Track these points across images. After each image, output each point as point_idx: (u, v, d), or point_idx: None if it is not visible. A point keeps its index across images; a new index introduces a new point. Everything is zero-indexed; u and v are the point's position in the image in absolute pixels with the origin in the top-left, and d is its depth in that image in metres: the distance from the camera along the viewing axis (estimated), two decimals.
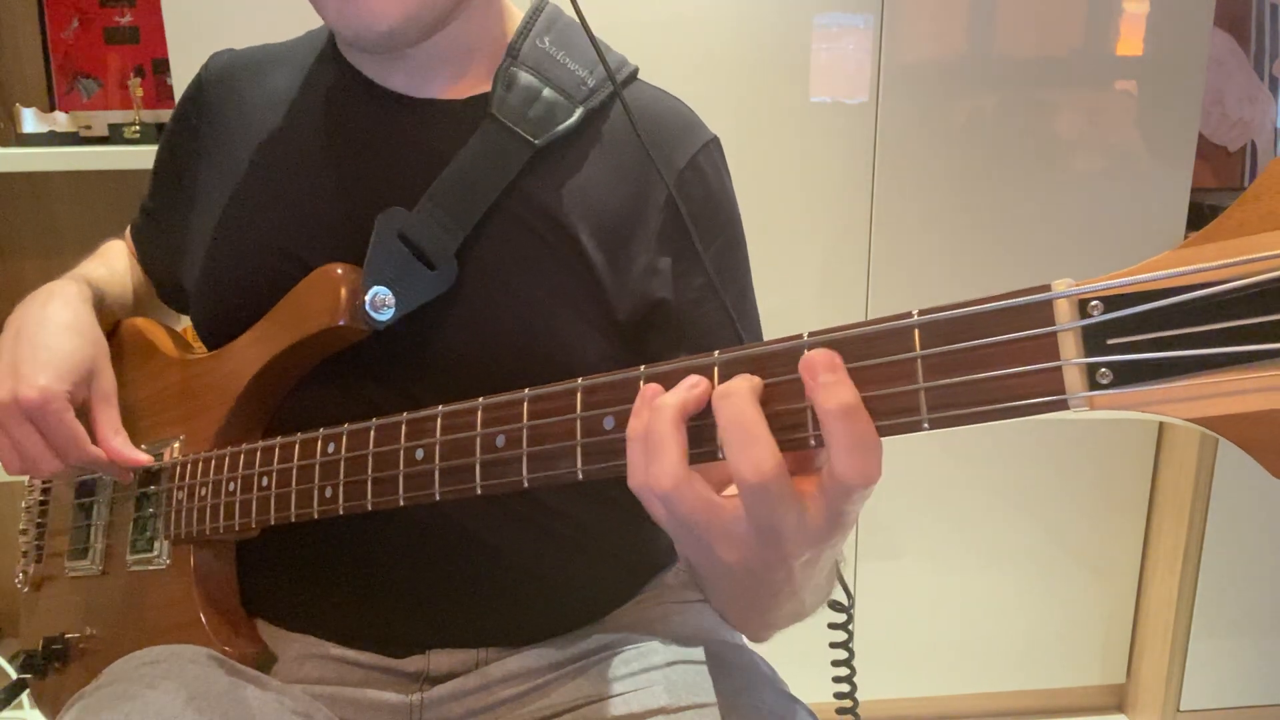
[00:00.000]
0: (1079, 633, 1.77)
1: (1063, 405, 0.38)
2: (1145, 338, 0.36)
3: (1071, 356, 0.37)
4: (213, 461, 0.72)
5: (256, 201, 0.74)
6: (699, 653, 0.71)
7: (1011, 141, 1.56)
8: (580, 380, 0.51)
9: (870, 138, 1.55)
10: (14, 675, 0.85)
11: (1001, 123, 1.56)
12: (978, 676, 1.78)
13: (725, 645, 0.74)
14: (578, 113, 0.72)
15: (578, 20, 0.74)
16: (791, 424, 0.44)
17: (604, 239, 0.71)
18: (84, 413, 0.75)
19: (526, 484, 0.53)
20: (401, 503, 0.59)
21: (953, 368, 0.40)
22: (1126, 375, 0.36)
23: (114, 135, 1.65)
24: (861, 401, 0.42)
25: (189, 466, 0.74)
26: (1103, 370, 0.37)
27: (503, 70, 0.72)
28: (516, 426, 0.53)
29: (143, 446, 0.79)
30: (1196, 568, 1.66)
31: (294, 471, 0.66)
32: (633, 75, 0.78)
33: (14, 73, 1.81)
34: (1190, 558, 1.66)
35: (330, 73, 0.77)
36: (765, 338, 0.77)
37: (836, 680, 0.67)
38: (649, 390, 0.47)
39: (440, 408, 0.58)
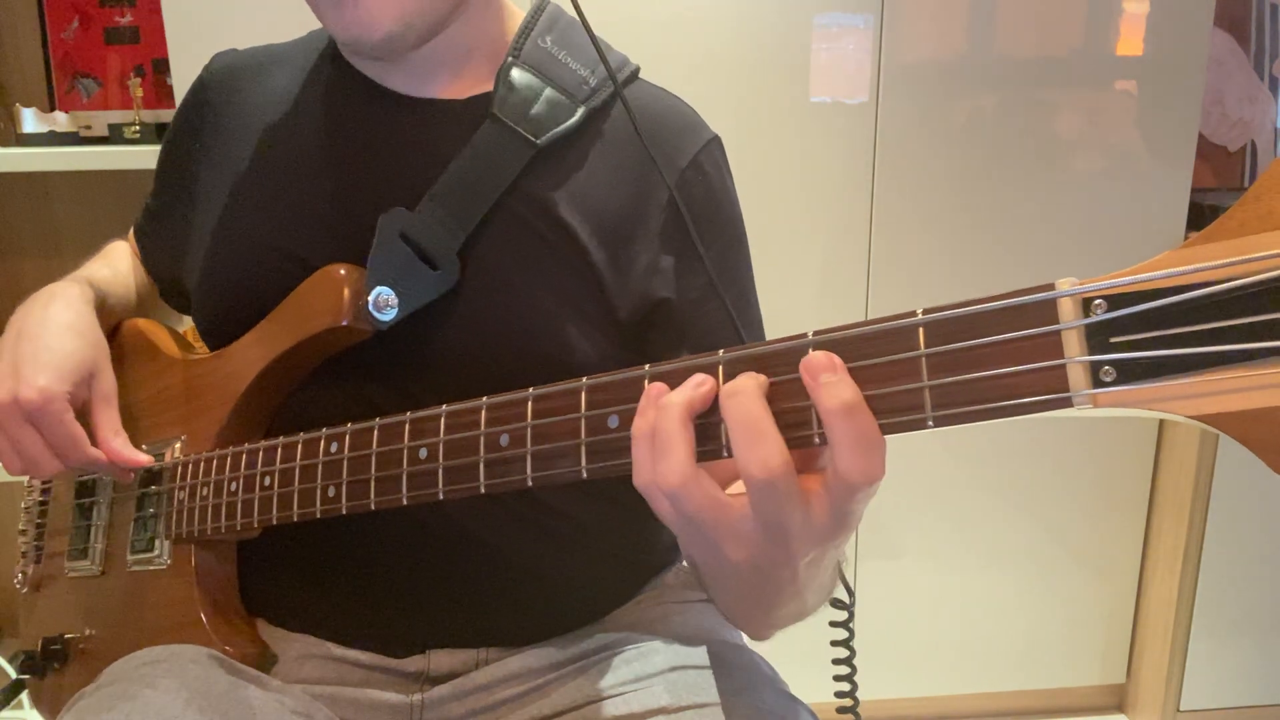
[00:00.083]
0: (1079, 633, 1.77)
1: (1066, 403, 0.38)
2: (1148, 336, 0.36)
3: (1075, 354, 0.38)
4: (214, 461, 0.72)
5: (258, 201, 0.74)
6: (701, 656, 0.71)
7: (1011, 141, 1.56)
8: (584, 379, 0.51)
9: (870, 138, 1.55)
10: (13, 675, 0.85)
11: (1001, 123, 1.56)
12: (978, 676, 1.78)
13: (726, 645, 0.74)
14: (579, 112, 0.72)
15: (578, 20, 0.74)
16: (796, 422, 0.44)
17: (605, 238, 0.71)
18: (85, 414, 0.75)
19: (530, 483, 0.53)
20: (405, 501, 0.59)
21: (956, 366, 0.40)
22: (1130, 373, 0.36)
23: (114, 135, 1.65)
24: (863, 400, 0.42)
25: (190, 466, 0.74)
26: (1106, 368, 0.37)
27: (504, 70, 0.72)
28: (520, 425, 0.53)
29: (144, 447, 0.79)
30: (1196, 568, 1.66)
31: (297, 471, 0.66)
32: (634, 75, 0.78)
33: (14, 73, 1.81)
34: (1190, 558, 1.66)
35: (331, 73, 0.77)
36: (766, 337, 0.78)
37: (837, 679, 0.67)
38: (654, 389, 0.47)
39: (444, 407, 0.58)
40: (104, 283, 0.84)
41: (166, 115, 1.76)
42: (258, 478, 0.68)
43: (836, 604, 0.63)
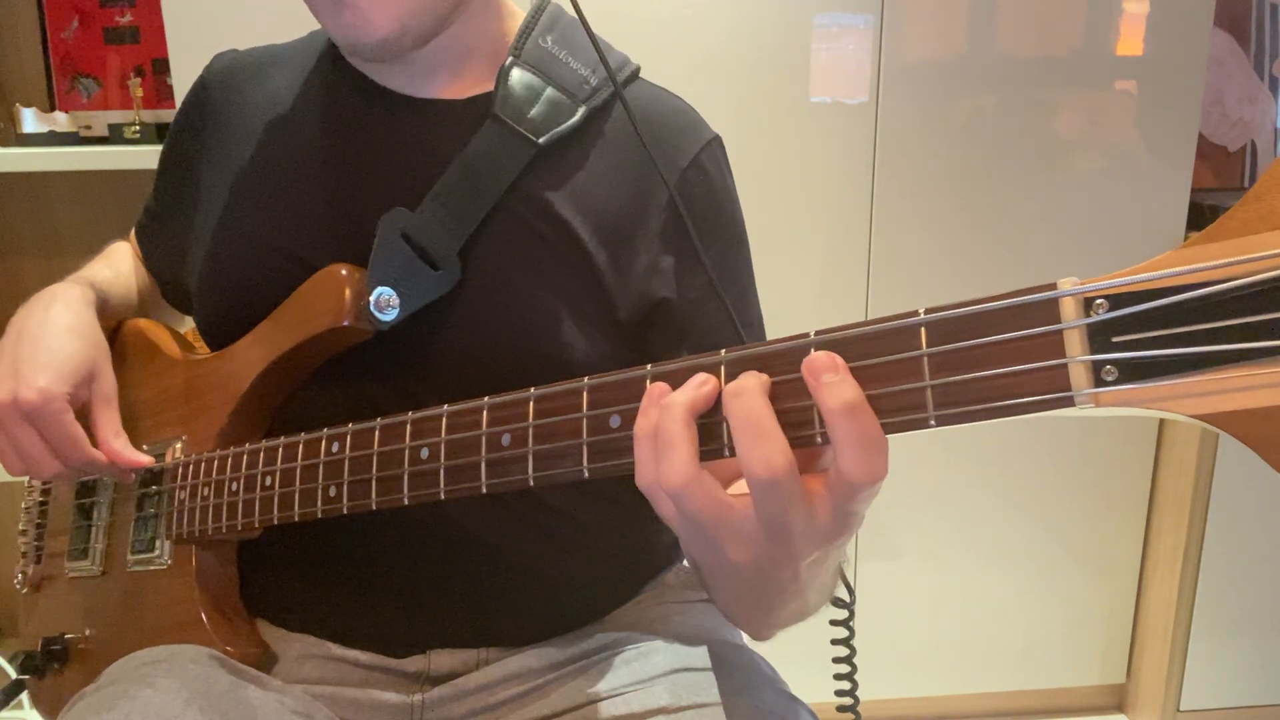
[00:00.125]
0: (1079, 633, 1.77)
1: (1068, 402, 0.38)
2: (1150, 335, 0.36)
3: (1077, 354, 0.38)
4: (215, 461, 0.72)
5: (259, 202, 0.74)
6: (701, 656, 0.71)
7: (1011, 141, 1.56)
8: (586, 379, 0.51)
9: (870, 138, 1.55)
10: (13, 675, 0.85)
11: (1001, 123, 1.56)
12: (978, 676, 1.78)
13: (726, 645, 0.74)
14: (580, 112, 0.72)
15: (579, 19, 0.74)
16: (798, 421, 0.44)
17: (606, 238, 0.71)
18: (85, 415, 0.75)
19: (532, 483, 0.53)
20: (406, 501, 0.59)
21: (958, 365, 0.40)
22: (1131, 372, 0.36)
23: (114, 135, 1.65)
24: (865, 399, 0.42)
25: (191, 467, 0.74)
26: (1108, 367, 0.37)
27: (505, 69, 0.72)
28: (522, 425, 0.53)
29: (144, 447, 0.79)
30: (1196, 568, 1.66)
31: (298, 471, 0.66)
32: (634, 74, 0.78)
33: (14, 73, 1.81)
34: (1190, 558, 1.66)
35: (331, 73, 0.77)
36: (767, 337, 0.78)
37: (838, 678, 0.67)
38: (656, 389, 0.47)
39: (445, 407, 0.58)
40: (105, 283, 0.84)
41: (166, 115, 1.76)
42: (259, 478, 0.68)
43: (837, 603, 0.63)
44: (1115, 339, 0.37)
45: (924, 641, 1.75)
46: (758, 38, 1.49)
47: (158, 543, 0.76)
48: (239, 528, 0.70)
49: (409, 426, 0.60)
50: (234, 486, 0.70)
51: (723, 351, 0.47)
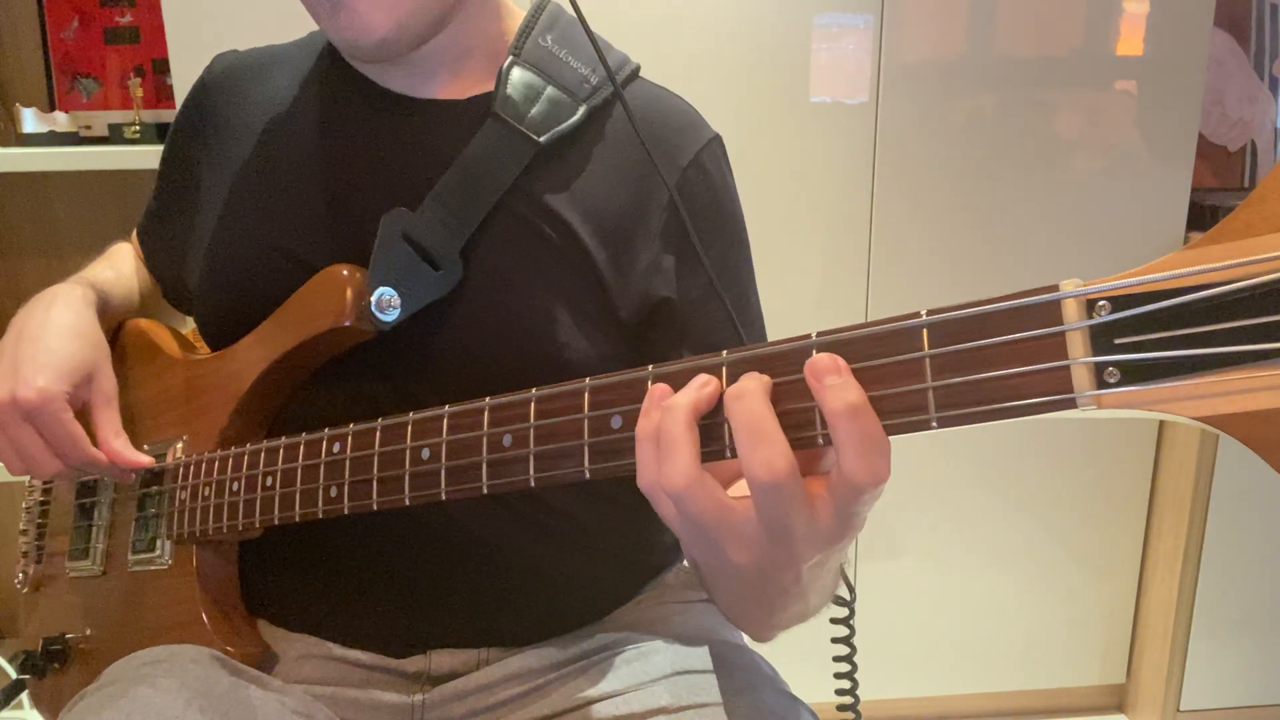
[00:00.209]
0: (1079, 633, 1.77)
1: (1070, 404, 0.38)
2: (1152, 337, 0.36)
3: (1079, 356, 0.38)
4: (216, 462, 0.72)
5: (259, 203, 0.74)
6: (701, 656, 0.71)
7: (1011, 141, 1.56)
8: (587, 380, 0.51)
9: (870, 138, 1.55)
10: (14, 675, 0.85)
11: (1001, 123, 1.56)
12: (978, 676, 1.78)
13: (726, 645, 0.74)
14: (581, 111, 0.72)
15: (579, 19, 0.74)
16: (800, 423, 0.44)
17: (606, 237, 0.71)
18: (86, 415, 0.75)
19: (533, 483, 0.53)
20: (407, 502, 0.59)
21: (960, 367, 0.40)
22: (1134, 374, 0.36)
23: (114, 135, 1.65)
24: (868, 401, 0.42)
25: (192, 467, 0.74)
26: (1110, 369, 0.37)
27: (505, 69, 0.72)
28: (523, 426, 0.53)
29: (145, 447, 0.79)
30: (1196, 568, 1.66)
31: (299, 471, 0.66)
32: (634, 74, 0.78)
33: (14, 73, 1.81)
34: (1190, 558, 1.66)
35: (331, 74, 0.77)
36: (767, 337, 0.78)
37: (838, 676, 0.67)
38: (657, 390, 0.47)
39: (447, 407, 0.58)
40: (107, 284, 0.84)
41: (166, 115, 1.76)
42: (259, 478, 0.68)
43: (838, 602, 0.63)
44: (1118, 341, 0.37)
45: (924, 641, 1.75)
46: (758, 38, 1.49)
47: (158, 543, 0.76)
48: (240, 528, 0.70)
49: (410, 427, 0.60)
50: (235, 486, 0.70)
51: (724, 353, 0.47)
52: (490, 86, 0.73)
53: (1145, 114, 1.58)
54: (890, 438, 0.42)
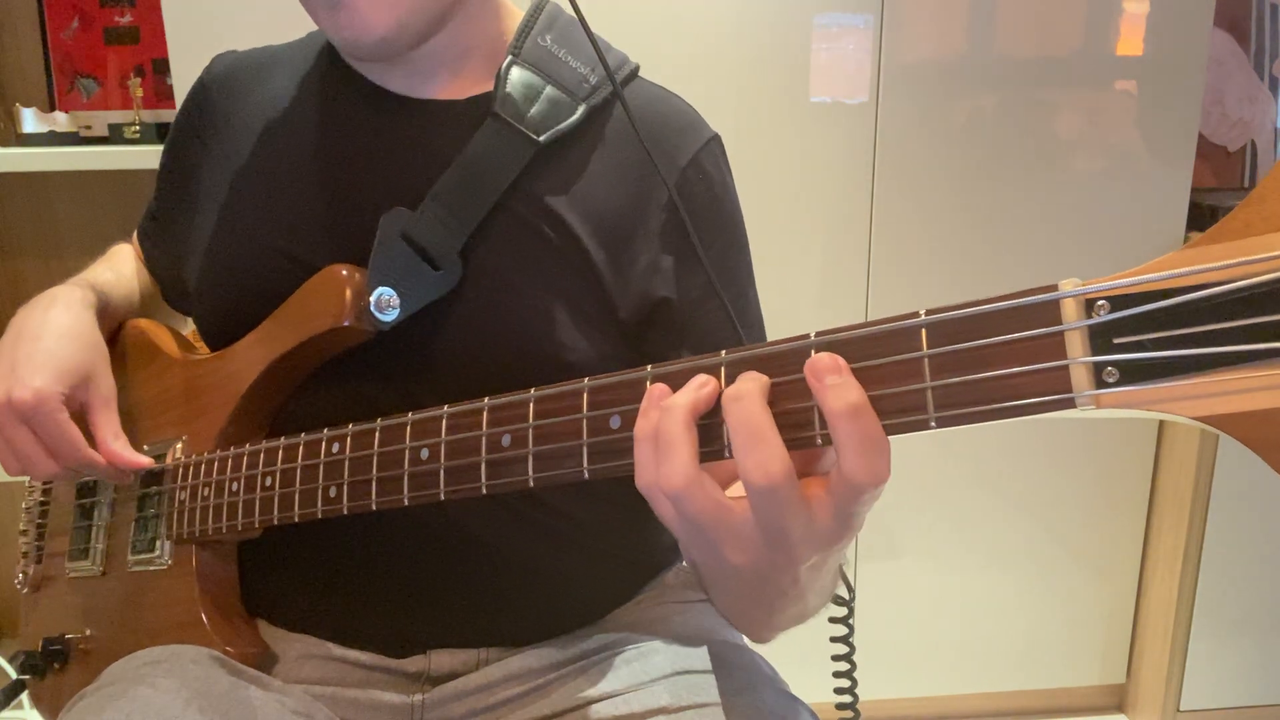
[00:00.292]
0: (1079, 633, 1.77)
1: (1069, 404, 0.38)
2: (1151, 337, 0.36)
3: (1078, 355, 0.38)
4: (216, 462, 0.72)
5: (258, 203, 0.74)
6: (701, 656, 0.71)
7: (1011, 141, 1.56)
8: (586, 380, 0.51)
9: (870, 138, 1.55)
10: (14, 675, 0.85)
11: (1001, 123, 1.56)
12: (978, 676, 1.78)
13: (726, 645, 0.74)
14: (580, 110, 0.72)
15: (578, 18, 0.74)
16: (799, 423, 0.44)
17: (605, 238, 0.71)
18: (84, 417, 0.75)
19: (532, 483, 0.53)
20: (406, 502, 0.59)
21: (959, 367, 0.40)
22: (1133, 374, 0.36)
23: (114, 135, 1.65)
24: (868, 401, 0.42)
25: (191, 467, 0.74)
26: (1109, 369, 0.37)
27: (504, 68, 0.72)
28: (522, 426, 0.53)
29: (145, 447, 0.79)
30: (1196, 568, 1.66)
31: (298, 471, 0.66)
32: (633, 73, 0.78)
33: (14, 73, 1.81)
34: (1190, 558, 1.66)
35: (330, 74, 0.77)
36: (766, 337, 0.78)
37: (837, 675, 0.67)
38: (656, 391, 0.47)
39: (446, 408, 0.58)
40: (107, 285, 0.84)
41: (166, 115, 1.76)
42: (259, 478, 0.68)
43: (837, 601, 0.63)
44: (1117, 340, 0.37)
45: (924, 641, 1.75)
46: (758, 37, 1.49)
47: (158, 543, 0.76)
48: (239, 528, 0.70)
49: (409, 427, 0.60)
50: (234, 487, 0.70)
51: (723, 353, 0.47)
52: (489, 87, 0.73)
53: (1145, 114, 1.58)
54: (889, 438, 0.42)
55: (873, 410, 0.42)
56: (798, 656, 0.82)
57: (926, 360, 0.41)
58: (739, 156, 0.80)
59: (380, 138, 0.73)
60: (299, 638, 0.75)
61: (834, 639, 0.67)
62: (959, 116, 1.55)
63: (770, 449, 0.43)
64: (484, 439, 0.55)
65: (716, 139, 0.78)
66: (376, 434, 0.62)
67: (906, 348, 0.42)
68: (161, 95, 1.82)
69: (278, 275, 0.71)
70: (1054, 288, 0.38)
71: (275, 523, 0.67)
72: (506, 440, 0.54)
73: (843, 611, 0.65)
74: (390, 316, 0.66)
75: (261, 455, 0.68)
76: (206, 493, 0.72)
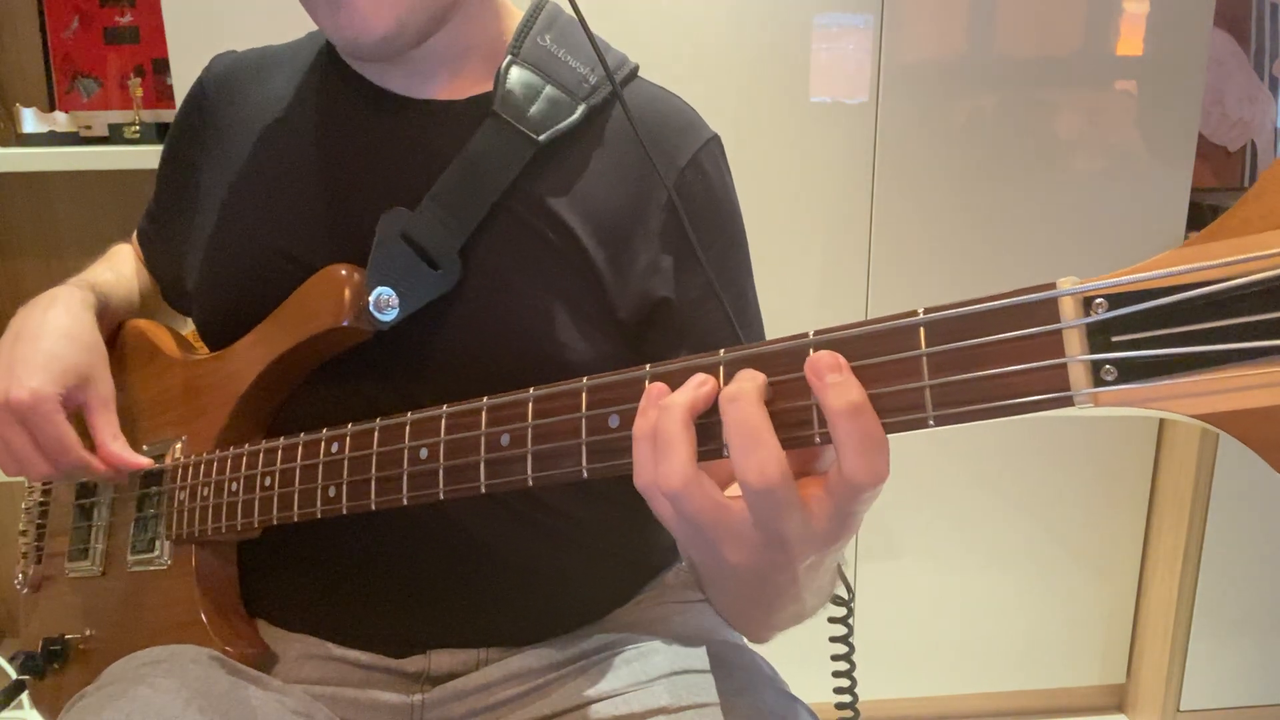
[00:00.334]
0: (1079, 633, 1.77)
1: (1067, 402, 0.38)
2: (1149, 335, 0.36)
3: (1076, 353, 0.37)
4: (215, 462, 0.72)
5: (257, 203, 0.74)
6: (701, 656, 0.71)
7: (1011, 141, 1.56)
8: (585, 379, 0.51)
9: (870, 138, 1.55)
10: (14, 675, 0.85)
11: (1001, 123, 1.56)
12: (978, 676, 1.78)
13: (726, 645, 0.74)
14: (580, 110, 0.72)
15: (577, 18, 0.74)
16: (797, 421, 0.44)
17: (604, 238, 0.71)
18: (83, 418, 0.75)
19: (531, 483, 0.53)
20: (405, 501, 0.59)
21: (957, 365, 0.40)
22: (1131, 372, 0.36)
23: (114, 135, 1.65)
24: (869, 400, 0.42)
25: (191, 467, 0.74)
26: (1107, 367, 0.37)
27: (504, 68, 0.72)
28: (521, 425, 0.53)
29: (144, 447, 0.79)
30: (1196, 568, 1.66)
31: (297, 471, 0.66)
32: (633, 73, 0.78)
33: (14, 73, 1.81)
34: (1190, 558, 1.66)
35: (329, 74, 0.77)
36: (766, 337, 0.78)
37: (837, 675, 0.67)
38: (655, 389, 0.47)
39: (445, 407, 0.58)
40: (107, 286, 0.84)
41: (166, 115, 1.76)
42: (258, 478, 0.68)
43: (836, 601, 0.63)
44: (1114, 338, 0.37)
45: (924, 641, 1.75)
46: (757, 38, 1.49)
47: (158, 543, 0.76)
48: (238, 528, 0.70)
49: (408, 427, 0.60)
50: (234, 487, 0.70)
51: (722, 351, 0.47)
52: (488, 87, 0.73)
53: (1145, 114, 1.57)
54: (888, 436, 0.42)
55: (873, 409, 0.42)
56: (797, 656, 0.81)
57: (925, 359, 0.41)
58: (739, 156, 0.80)
59: (379, 138, 0.73)
60: (299, 638, 0.75)
61: (833, 639, 0.67)
62: (959, 116, 1.55)
63: (766, 450, 0.43)
64: (483, 438, 0.55)
65: (716, 139, 0.78)
66: (375, 434, 0.62)
67: (905, 346, 0.42)
68: (161, 95, 1.82)
69: (277, 275, 0.71)
70: (1052, 286, 0.38)
71: (274, 523, 0.67)
72: (505, 439, 0.54)
73: (842, 611, 0.65)
74: (389, 316, 0.66)
75: (261, 455, 0.68)
76: (206, 493, 0.72)
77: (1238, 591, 1.68)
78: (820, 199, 1.56)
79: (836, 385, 0.42)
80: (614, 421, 0.50)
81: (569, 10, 0.75)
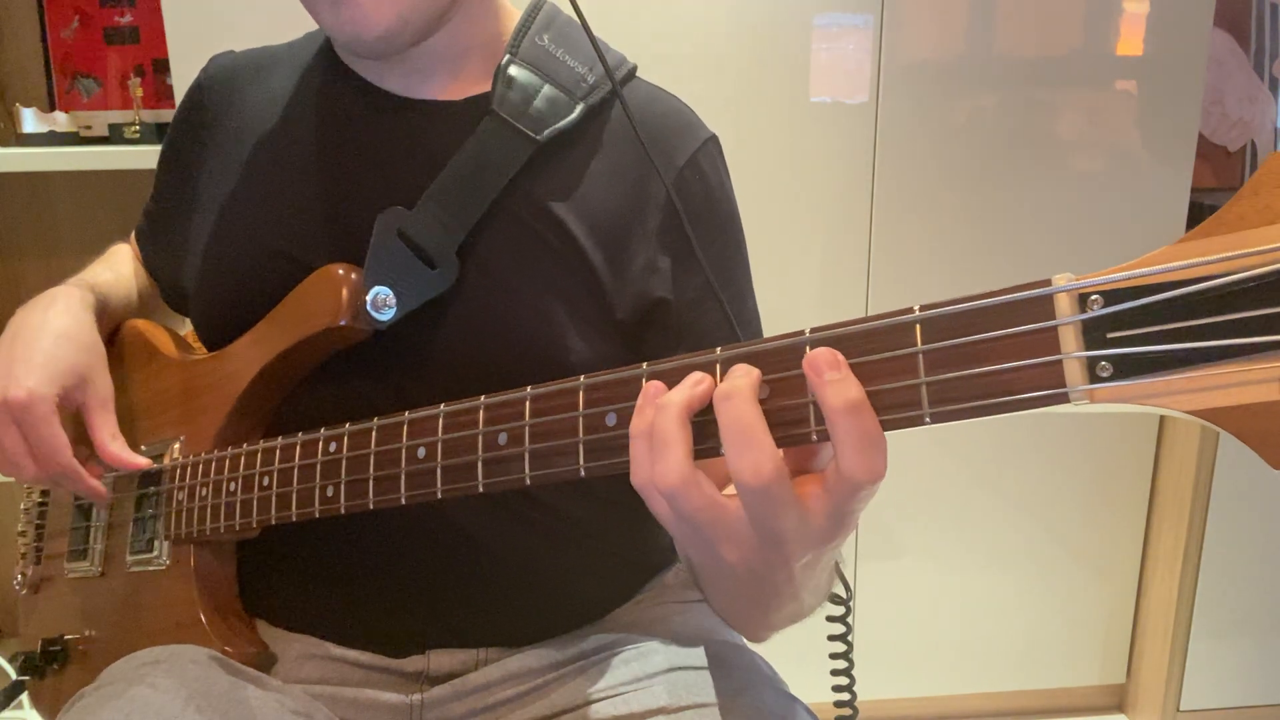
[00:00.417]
0: (1079, 633, 1.77)
1: (1063, 399, 0.38)
2: (1145, 331, 0.36)
3: (1072, 350, 0.37)
4: (213, 462, 0.72)
5: (255, 203, 0.74)
6: (700, 656, 0.71)
7: (1011, 141, 1.56)
8: (582, 378, 0.51)
9: (870, 138, 1.55)
10: (14, 676, 0.85)
11: (1001, 123, 1.56)
12: (978, 676, 1.78)
13: (725, 645, 0.74)
14: (578, 109, 0.72)
15: (576, 18, 0.74)
16: (793, 419, 0.44)
17: (602, 238, 0.71)
18: (81, 419, 0.75)
19: (529, 481, 0.53)
20: (403, 501, 0.59)
21: (954, 362, 0.40)
22: (1127, 368, 0.36)
23: (114, 135, 1.65)
24: (867, 398, 0.42)
25: (189, 467, 0.74)
26: (1103, 363, 0.37)
27: (503, 67, 0.72)
28: (519, 424, 0.53)
29: (143, 448, 0.79)
30: (1196, 568, 1.66)
31: (295, 471, 0.66)
32: (631, 73, 0.78)
33: (14, 73, 1.81)
34: (1190, 558, 1.65)
35: (328, 74, 0.77)
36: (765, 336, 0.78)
37: (835, 674, 0.67)
38: (652, 388, 0.47)
39: (442, 406, 0.58)
40: (106, 286, 0.84)
41: (166, 115, 1.76)
42: (256, 478, 0.68)
43: (835, 601, 0.63)
44: (1110, 335, 0.37)
45: (924, 641, 1.75)
46: (757, 38, 1.49)
47: (156, 543, 0.76)
48: (237, 528, 0.70)
49: (406, 426, 0.60)
50: (232, 487, 0.70)
51: (718, 349, 0.47)
52: (487, 87, 0.73)
53: (1145, 114, 1.57)
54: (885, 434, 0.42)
55: (870, 407, 0.42)
56: (796, 656, 0.81)
57: (921, 356, 0.41)
58: (739, 157, 0.80)
59: (378, 138, 0.73)
60: (298, 637, 0.75)
61: (832, 638, 0.67)
62: (959, 116, 1.55)
63: (761, 449, 0.43)
64: (480, 437, 0.55)
65: (714, 139, 0.78)
66: (373, 433, 0.62)
67: (901, 343, 0.42)
68: (161, 95, 1.82)
69: (275, 275, 0.71)
70: (1047, 282, 0.38)
71: (273, 522, 0.67)
72: (503, 438, 0.54)
73: (841, 611, 0.65)
74: (387, 316, 0.66)
75: (259, 455, 0.69)
76: (204, 493, 0.72)
77: (1238, 591, 1.68)
78: (820, 199, 1.56)
79: (835, 383, 0.42)
80: (611, 420, 0.50)
81: (567, 10, 0.75)
